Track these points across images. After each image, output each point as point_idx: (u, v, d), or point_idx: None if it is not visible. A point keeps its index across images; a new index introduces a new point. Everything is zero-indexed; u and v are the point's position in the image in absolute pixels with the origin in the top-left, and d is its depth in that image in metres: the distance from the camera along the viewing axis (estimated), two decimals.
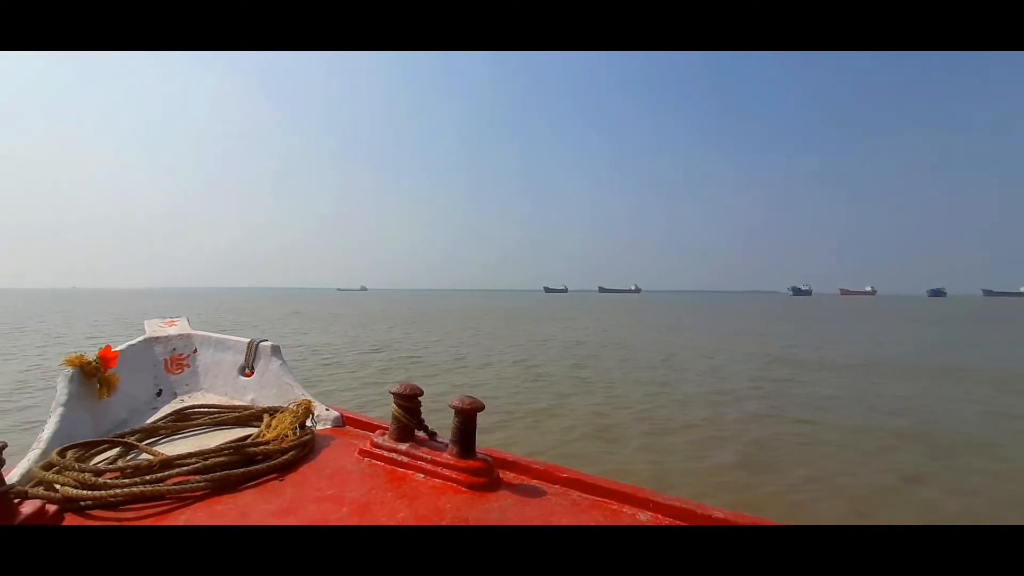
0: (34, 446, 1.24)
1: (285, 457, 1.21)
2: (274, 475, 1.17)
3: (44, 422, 1.36)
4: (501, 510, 1.03)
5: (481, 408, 1.15)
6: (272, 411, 1.53)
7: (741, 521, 0.95)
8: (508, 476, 1.20)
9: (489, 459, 1.18)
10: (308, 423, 1.48)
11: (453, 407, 1.16)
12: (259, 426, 1.44)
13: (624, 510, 1.06)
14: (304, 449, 1.29)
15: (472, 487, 1.11)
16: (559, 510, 1.05)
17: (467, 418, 1.16)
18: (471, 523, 0.96)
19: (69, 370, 1.47)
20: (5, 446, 0.86)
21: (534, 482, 1.18)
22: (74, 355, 1.51)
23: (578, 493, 1.13)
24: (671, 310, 35.25)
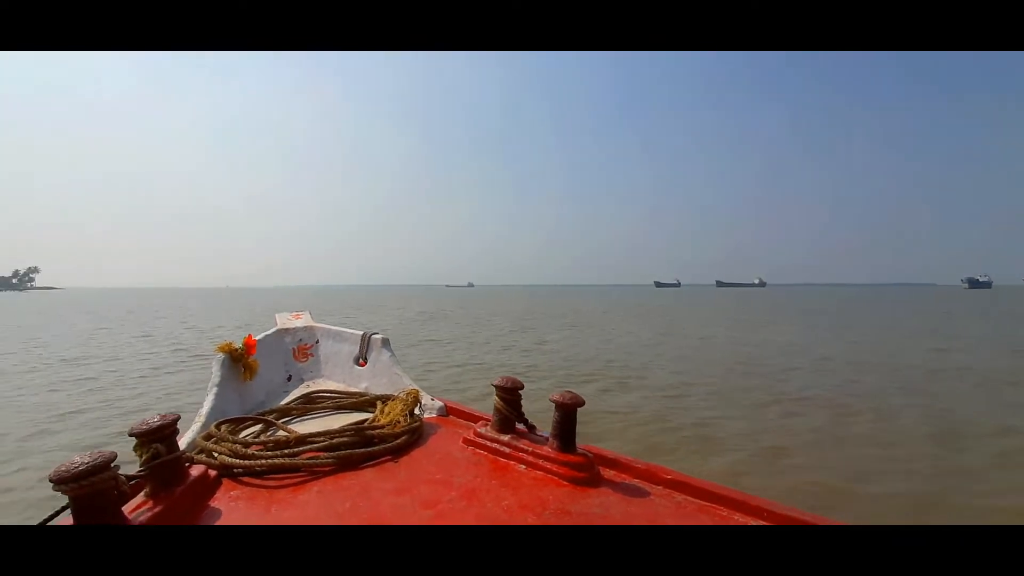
0: (196, 420, 1.46)
1: (398, 441, 1.30)
2: (388, 457, 1.26)
3: (203, 400, 1.60)
4: (603, 506, 1.01)
5: (581, 404, 1.14)
6: (384, 399, 1.64)
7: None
8: (609, 473, 1.18)
9: (589, 455, 1.16)
10: (416, 411, 1.58)
11: (554, 401, 1.16)
12: (374, 411, 1.56)
13: (735, 517, 0.99)
14: (414, 435, 1.37)
15: (573, 481, 1.10)
16: (664, 512, 1.00)
17: (567, 413, 1.16)
18: (573, 516, 0.96)
19: (221, 356, 1.72)
20: (179, 418, 1.02)
21: (636, 481, 1.14)
22: (225, 343, 1.75)
23: (683, 496, 1.07)
24: (851, 308, 25.02)
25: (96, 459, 0.78)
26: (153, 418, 0.98)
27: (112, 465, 0.81)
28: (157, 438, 0.96)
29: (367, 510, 0.98)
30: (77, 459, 0.78)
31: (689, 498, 1.06)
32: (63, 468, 0.76)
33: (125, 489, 0.86)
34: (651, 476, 1.14)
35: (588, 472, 1.12)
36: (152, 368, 7.26)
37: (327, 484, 1.10)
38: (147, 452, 0.95)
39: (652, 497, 1.07)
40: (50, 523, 0.83)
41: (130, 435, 0.96)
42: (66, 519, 0.84)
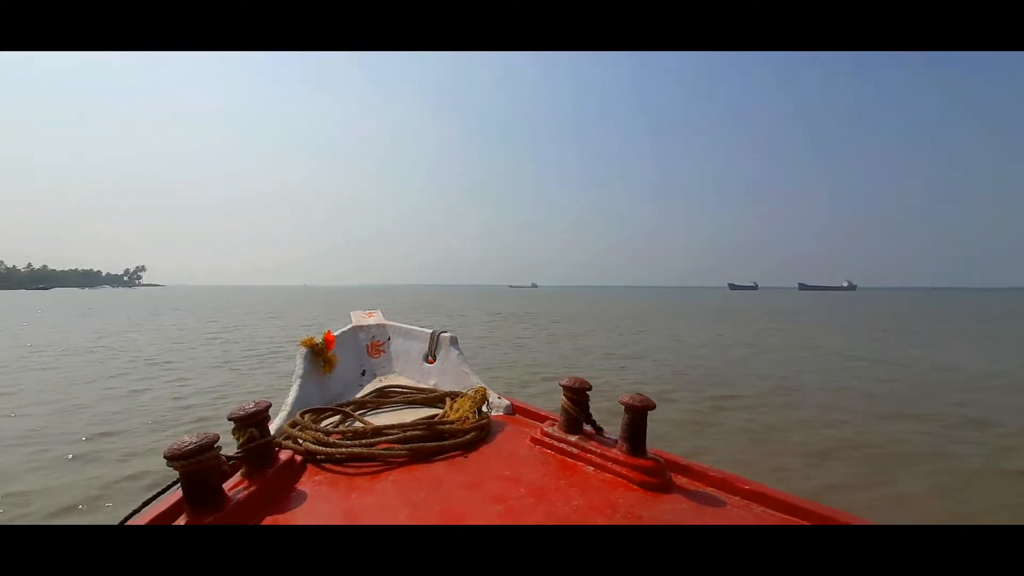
0: (282, 408, 1.57)
1: (467, 437, 1.32)
2: (458, 452, 1.29)
3: (287, 390, 1.71)
4: (676, 513, 0.97)
5: (652, 407, 1.11)
6: (453, 395, 1.69)
7: None
8: (681, 480, 1.13)
9: (661, 459, 1.12)
10: (484, 408, 1.60)
11: (623, 403, 1.13)
12: (443, 407, 1.60)
13: None
14: (483, 432, 1.39)
15: (643, 486, 1.07)
16: (741, 522, 0.95)
17: (637, 415, 1.13)
18: (645, 520, 0.93)
19: (304, 350, 1.83)
20: (270, 405, 1.10)
21: (710, 490, 1.09)
22: (307, 338, 1.87)
23: (762, 508, 1.01)
24: (986, 314, 20.90)
25: (202, 440, 0.86)
26: (248, 404, 1.06)
27: (215, 446, 0.89)
28: (252, 423, 1.04)
29: (440, 501, 1.00)
30: (187, 439, 0.86)
31: (768, 510, 1.00)
32: (175, 447, 0.84)
33: (226, 468, 0.94)
34: (727, 485, 1.09)
35: (660, 477, 1.08)
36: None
37: (402, 474, 1.15)
38: (243, 435, 1.03)
39: (728, 507, 1.02)
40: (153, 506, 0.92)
41: (229, 419, 1.04)
42: (176, 494, 0.93)
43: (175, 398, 5.37)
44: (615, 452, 1.15)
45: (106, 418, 4.56)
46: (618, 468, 1.12)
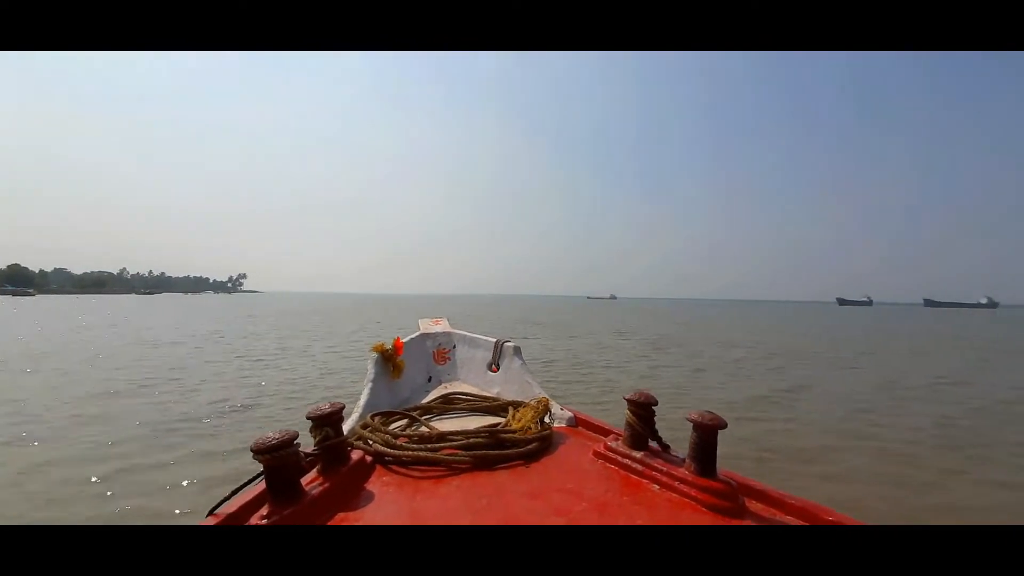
0: (354, 410, 1.66)
1: (529, 447, 1.32)
2: (520, 461, 1.28)
3: (359, 393, 1.81)
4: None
5: (723, 426, 1.05)
6: (516, 404, 1.69)
7: None
8: (755, 507, 1.06)
9: (733, 483, 1.06)
10: (546, 419, 1.59)
11: (691, 420, 1.08)
12: (505, 416, 1.62)
13: None
14: (545, 442, 1.38)
15: (713, 509, 1.01)
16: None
17: (706, 433, 1.07)
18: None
19: (375, 355, 1.93)
20: (344, 407, 1.16)
21: (788, 519, 1.01)
22: (378, 343, 1.97)
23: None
24: None
25: (284, 436, 0.92)
26: (324, 405, 1.12)
27: (295, 443, 0.95)
28: (328, 423, 1.11)
29: (502, 510, 1.01)
30: (271, 435, 0.92)
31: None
32: (260, 441, 0.90)
33: (304, 464, 1.00)
34: (807, 515, 1.00)
35: (732, 501, 1.01)
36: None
37: (465, 480, 1.16)
38: (320, 434, 1.10)
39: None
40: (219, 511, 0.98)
41: (307, 418, 1.11)
42: (260, 485, 1.01)
43: None
44: (682, 471, 1.10)
45: None
46: (686, 488, 1.07)
